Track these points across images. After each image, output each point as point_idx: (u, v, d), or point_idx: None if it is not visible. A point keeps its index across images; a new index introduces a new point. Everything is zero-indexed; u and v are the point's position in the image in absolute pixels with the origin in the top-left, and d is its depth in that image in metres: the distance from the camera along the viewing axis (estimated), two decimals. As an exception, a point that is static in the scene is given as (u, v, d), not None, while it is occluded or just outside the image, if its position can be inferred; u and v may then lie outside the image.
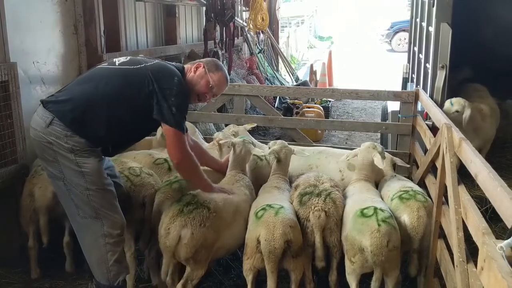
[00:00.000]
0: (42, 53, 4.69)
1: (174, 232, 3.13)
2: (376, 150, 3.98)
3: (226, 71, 3.54)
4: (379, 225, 3.15)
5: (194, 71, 3.37)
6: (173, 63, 3.44)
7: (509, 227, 1.94)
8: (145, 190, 3.75)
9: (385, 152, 4.22)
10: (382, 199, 3.80)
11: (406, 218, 3.44)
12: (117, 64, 3.26)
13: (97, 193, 3.14)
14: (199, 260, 3.20)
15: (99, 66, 3.40)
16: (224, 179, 3.85)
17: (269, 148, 4.09)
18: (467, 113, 4.58)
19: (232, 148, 3.96)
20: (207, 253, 3.23)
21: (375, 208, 3.29)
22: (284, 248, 3.18)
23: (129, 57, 3.37)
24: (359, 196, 3.68)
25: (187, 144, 3.27)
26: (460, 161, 3.08)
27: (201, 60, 3.51)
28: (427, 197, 3.61)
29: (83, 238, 3.28)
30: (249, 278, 3.30)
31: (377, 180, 4.19)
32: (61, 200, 3.30)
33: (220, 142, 4.35)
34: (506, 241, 1.82)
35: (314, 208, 3.46)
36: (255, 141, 5.00)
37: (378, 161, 3.91)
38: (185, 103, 3.29)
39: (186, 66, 3.46)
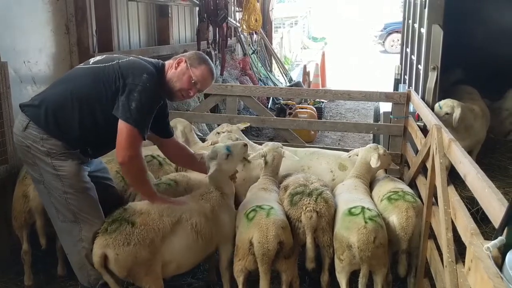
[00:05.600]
0: (33, 52, 4.66)
1: (97, 252, 2.94)
2: (377, 151, 4.07)
3: (211, 64, 3.34)
4: (366, 222, 3.24)
5: (176, 67, 3.23)
6: (153, 60, 3.30)
7: (497, 228, 1.95)
8: (133, 189, 3.74)
9: (388, 154, 4.31)
10: (372, 198, 3.86)
11: (395, 218, 3.48)
12: (91, 63, 3.21)
13: (75, 196, 3.10)
14: (140, 278, 3.00)
15: (75, 67, 3.38)
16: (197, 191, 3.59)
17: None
18: (457, 112, 4.61)
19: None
20: (146, 269, 2.98)
21: (363, 207, 3.38)
22: (277, 249, 3.18)
23: (105, 55, 3.28)
24: (348, 196, 3.75)
25: (140, 148, 3.08)
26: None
27: (184, 54, 3.34)
28: (417, 198, 3.64)
29: (64, 242, 3.27)
30: (240, 280, 3.30)
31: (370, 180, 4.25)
32: (43, 203, 3.30)
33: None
34: (492, 242, 1.83)
35: (305, 208, 3.46)
36: (248, 141, 5.01)
37: (373, 161, 4.02)
38: (149, 103, 3.05)
39: (167, 62, 3.31)
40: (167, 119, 3.60)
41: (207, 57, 3.36)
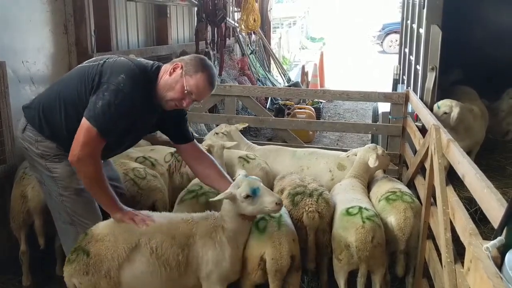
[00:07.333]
0: (32, 52, 4.64)
1: (68, 283, 2.82)
2: (375, 152, 4.09)
3: (212, 71, 2.96)
4: (363, 222, 3.25)
5: (171, 72, 2.90)
6: (148, 62, 3.03)
7: (496, 228, 1.95)
8: (154, 195, 3.77)
9: (386, 155, 4.34)
10: (370, 199, 3.87)
11: (393, 219, 3.49)
12: (84, 63, 3.09)
13: (70, 198, 3.06)
14: None
15: (74, 67, 3.28)
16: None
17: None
18: (455, 111, 4.61)
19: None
20: None
21: (360, 207, 3.39)
22: (290, 264, 3.03)
23: (101, 56, 3.11)
24: (345, 196, 3.75)
25: (97, 151, 2.80)
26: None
27: (183, 58, 2.99)
28: (415, 198, 3.65)
29: (64, 244, 3.25)
30: None
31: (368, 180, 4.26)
32: (48, 204, 3.28)
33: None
34: (492, 242, 1.83)
35: (308, 209, 3.45)
36: (246, 141, 5.01)
37: (371, 161, 4.05)
38: (119, 106, 2.74)
39: (164, 66, 3.01)
40: (181, 124, 3.27)
41: (208, 63, 2.98)
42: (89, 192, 3.04)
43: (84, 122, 2.74)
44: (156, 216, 3.02)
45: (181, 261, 2.87)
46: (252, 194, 2.84)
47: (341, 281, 3.34)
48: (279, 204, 2.86)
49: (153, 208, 3.74)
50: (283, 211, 3.36)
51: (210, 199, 3.04)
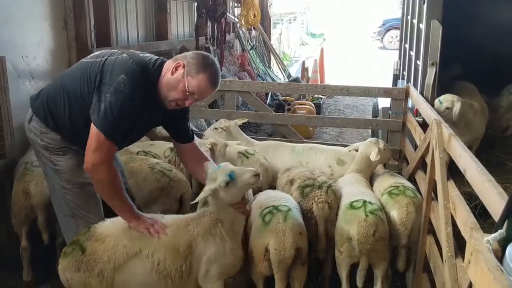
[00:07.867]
0: (31, 47, 4.64)
1: (61, 276, 2.81)
2: (377, 146, 4.11)
3: (214, 70, 2.87)
4: (366, 215, 3.26)
5: (173, 72, 2.83)
6: (151, 59, 2.95)
7: (497, 221, 1.94)
8: (183, 187, 3.81)
9: (388, 149, 4.33)
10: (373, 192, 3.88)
11: (395, 213, 3.49)
12: (88, 57, 3.06)
13: (72, 192, 3.04)
14: None
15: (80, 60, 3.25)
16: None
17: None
18: (457, 106, 4.61)
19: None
20: None
21: (364, 201, 3.39)
22: (294, 256, 3.07)
23: (104, 51, 3.06)
24: (350, 189, 3.76)
25: (110, 156, 2.79)
26: (450, 157, 3.10)
27: (186, 55, 2.90)
28: (417, 193, 3.65)
29: (65, 235, 3.24)
30: (259, 284, 3.21)
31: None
32: (51, 196, 3.27)
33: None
34: (493, 235, 1.83)
35: (318, 200, 3.51)
36: (245, 136, 5.00)
37: (373, 155, 4.05)
38: (121, 107, 2.71)
39: (167, 63, 2.93)
40: (182, 123, 3.25)
41: (210, 61, 2.89)
42: (93, 187, 3.00)
43: (92, 127, 2.74)
44: (167, 221, 2.95)
45: (184, 270, 2.83)
46: (231, 179, 2.79)
47: (343, 274, 3.36)
48: (256, 175, 2.85)
49: (180, 201, 3.82)
50: (294, 205, 3.39)
51: (192, 202, 3.00)
